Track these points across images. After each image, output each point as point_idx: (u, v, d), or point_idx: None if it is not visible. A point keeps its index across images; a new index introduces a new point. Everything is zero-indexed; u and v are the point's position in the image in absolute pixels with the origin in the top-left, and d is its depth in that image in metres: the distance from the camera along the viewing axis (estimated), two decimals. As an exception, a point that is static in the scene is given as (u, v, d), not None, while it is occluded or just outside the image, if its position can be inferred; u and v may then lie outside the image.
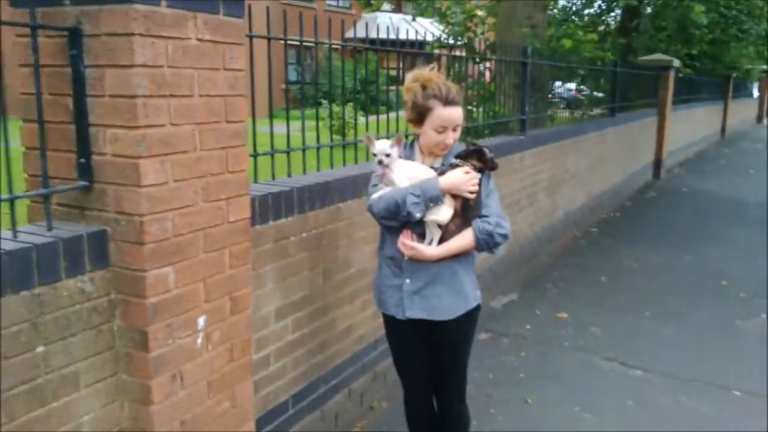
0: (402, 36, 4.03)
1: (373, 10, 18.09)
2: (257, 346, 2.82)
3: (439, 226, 2.51)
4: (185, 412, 2.23)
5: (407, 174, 2.51)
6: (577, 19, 15.96)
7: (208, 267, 2.24)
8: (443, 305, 2.56)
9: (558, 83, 8.06)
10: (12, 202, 1.87)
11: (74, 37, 1.91)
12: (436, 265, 2.53)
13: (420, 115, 2.49)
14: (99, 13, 1.88)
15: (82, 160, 1.99)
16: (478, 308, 2.67)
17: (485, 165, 2.54)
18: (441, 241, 2.52)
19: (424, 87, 2.47)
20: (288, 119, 3.12)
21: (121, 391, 2.12)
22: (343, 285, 3.42)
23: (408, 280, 2.58)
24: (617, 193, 10.16)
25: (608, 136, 9.32)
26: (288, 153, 3.18)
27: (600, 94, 9.58)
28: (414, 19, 11.75)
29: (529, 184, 6.13)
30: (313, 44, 3.18)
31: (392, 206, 2.47)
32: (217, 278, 2.29)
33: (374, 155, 2.50)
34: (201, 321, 2.24)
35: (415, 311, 2.59)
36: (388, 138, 2.74)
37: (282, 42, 3.30)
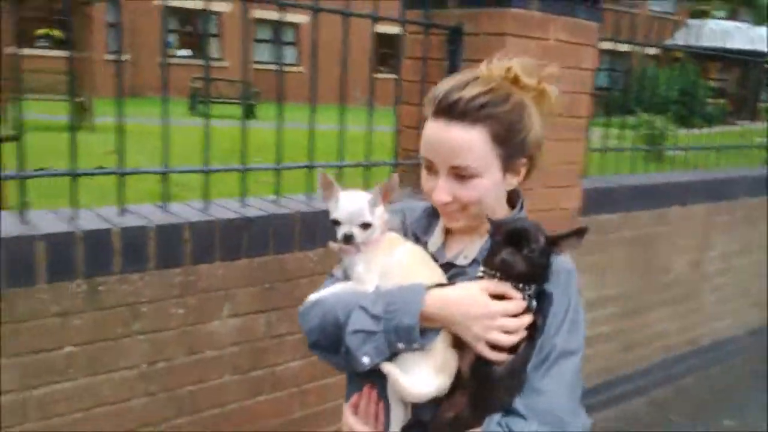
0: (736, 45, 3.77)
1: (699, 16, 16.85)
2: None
3: (414, 406, 1.13)
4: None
5: (386, 265, 1.19)
6: None
7: (537, 246, 2.46)
8: None
9: None
10: (395, 167, 2.31)
11: (455, 35, 2.27)
12: None
13: None
14: (478, 15, 2.21)
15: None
16: None
17: (532, 270, 1.05)
18: None
19: None
20: (608, 124, 3.21)
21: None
22: (659, 289, 3.42)
23: None
24: None
25: None
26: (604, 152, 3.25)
27: None
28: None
29: None
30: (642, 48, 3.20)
31: (328, 324, 1.18)
32: (543, 258, 2.50)
33: (336, 224, 1.19)
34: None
35: None
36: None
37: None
